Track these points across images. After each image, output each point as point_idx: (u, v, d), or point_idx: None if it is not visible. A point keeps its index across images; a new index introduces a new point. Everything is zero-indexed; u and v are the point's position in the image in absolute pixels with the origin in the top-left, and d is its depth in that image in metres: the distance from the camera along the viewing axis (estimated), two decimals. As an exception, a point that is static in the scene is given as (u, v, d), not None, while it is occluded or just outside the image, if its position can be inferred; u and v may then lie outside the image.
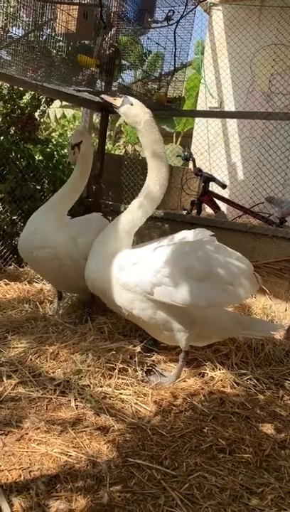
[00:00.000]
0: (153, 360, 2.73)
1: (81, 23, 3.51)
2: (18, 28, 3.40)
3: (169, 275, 2.33)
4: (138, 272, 2.40)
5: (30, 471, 1.68)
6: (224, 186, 5.22)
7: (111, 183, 5.19)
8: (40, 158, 4.51)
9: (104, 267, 2.54)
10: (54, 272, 3.10)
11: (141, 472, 1.76)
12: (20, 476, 1.66)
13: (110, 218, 4.66)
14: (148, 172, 2.71)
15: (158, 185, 2.68)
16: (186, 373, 2.60)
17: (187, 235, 2.68)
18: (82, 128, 3.09)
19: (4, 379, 2.27)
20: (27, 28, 3.40)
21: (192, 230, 2.70)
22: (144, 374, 2.52)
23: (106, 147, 5.38)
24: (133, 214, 2.69)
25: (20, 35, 3.36)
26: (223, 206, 5.50)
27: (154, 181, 2.68)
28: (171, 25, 4.19)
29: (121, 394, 2.28)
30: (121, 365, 2.46)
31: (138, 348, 2.65)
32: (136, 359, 2.56)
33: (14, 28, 3.36)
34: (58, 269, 3.03)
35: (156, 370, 2.64)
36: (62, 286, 3.34)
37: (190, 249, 2.46)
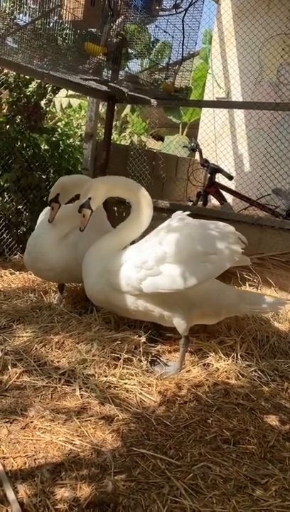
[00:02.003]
0: (158, 351, 2.73)
1: (88, 10, 3.46)
2: (25, 15, 3.36)
3: (151, 267, 2.42)
4: (126, 271, 2.50)
5: (35, 459, 1.69)
6: (230, 177, 5.18)
7: (117, 174, 5.15)
8: (46, 147, 4.48)
9: (99, 278, 2.63)
10: (63, 278, 3.24)
11: (146, 462, 1.76)
12: (25, 463, 1.67)
13: (115, 209, 4.68)
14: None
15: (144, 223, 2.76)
16: (191, 364, 2.60)
17: (166, 223, 2.71)
18: (64, 179, 3.02)
19: (9, 368, 2.28)
20: (34, 14, 3.35)
21: (171, 218, 2.73)
22: (149, 364, 2.53)
23: (112, 137, 5.34)
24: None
25: (26, 21, 3.31)
26: (229, 198, 5.46)
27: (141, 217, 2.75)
28: (179, 13, 4.13)
29: (125, 384, 2.29)
30: (126, 355, 2.46)
31: (143, 339, 2.65)
32: (141, 349, 2.56)
33: (21, 15, 3.32)
34: (67, 276, 3.13)
35: (161, 360, 2.64)
36: (68, 281, 3.40)
37: (161, 238, 2.50)
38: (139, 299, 2.52)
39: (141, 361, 2.49)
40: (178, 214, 2.70)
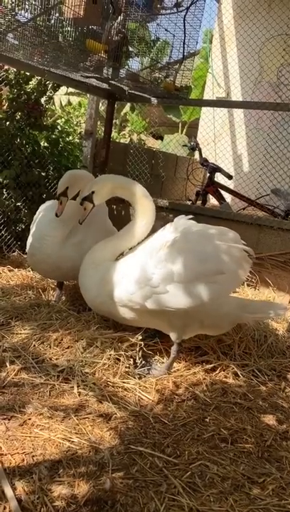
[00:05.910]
0: (154, 350, 2.73)
1: (89, 7, 3.45)
2: (26, 12, 3.34)
3: (156, 285, 2.33)
4: (127, 286, 2.42)
5: (33, 456, 1.69)
6: (230, 177, 5.18)
7: (117, 172, 5.14)
8: (46, 144, 4.47)
9: (100, 290, 2.57)
10: (67, 277, 3.22)
11: (143, 459, 1.77)
12: (23, 460, 1.67)
13: (114, 207, 4.67)
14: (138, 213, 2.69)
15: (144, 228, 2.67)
16: (189, 363, 2.61)
17: (167, 230, 2.58)
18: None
19: (7, 364, 2.28)
20: (35, 11, 3.34)
21: (172, 223, 2.61)
22: (136, 366, 2.49)
23: (111, 135, 5.33)
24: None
25: (27, 18, 3.30)
26: (228, 197, 5.46)
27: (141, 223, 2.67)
28: (181, 11, 4.12)
29: (123, 382, 2.29)
30: (124, 354, 2.46)
31: (140, 337, 2.64)
32: (137, 348, 2.55)
33: (22, 11, 3.31)
34: (73, 274, 3.05)
35: (149, 362, 2.61)
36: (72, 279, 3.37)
37: (168, 254, 2.39)
38: (141, 312, 2.47)
39: (136, 361, 2.49)
40: (181, 222, 2.59)
